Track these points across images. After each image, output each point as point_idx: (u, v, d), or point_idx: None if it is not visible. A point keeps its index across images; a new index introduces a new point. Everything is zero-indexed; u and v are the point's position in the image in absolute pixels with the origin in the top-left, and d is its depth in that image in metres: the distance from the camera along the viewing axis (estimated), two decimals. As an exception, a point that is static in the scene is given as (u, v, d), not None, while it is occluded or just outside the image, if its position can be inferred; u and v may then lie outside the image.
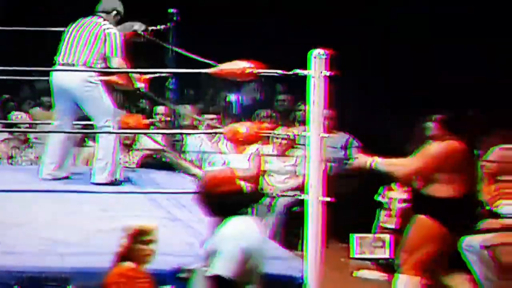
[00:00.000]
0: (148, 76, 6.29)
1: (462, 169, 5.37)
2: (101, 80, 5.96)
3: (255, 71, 4.79)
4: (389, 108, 8.41)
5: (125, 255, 3.99)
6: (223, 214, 3.87)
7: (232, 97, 9.00)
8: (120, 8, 6.15)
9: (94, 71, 5.94)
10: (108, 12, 6.08)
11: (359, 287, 6.48)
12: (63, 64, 5.97)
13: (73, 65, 5.93)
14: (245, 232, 3.83)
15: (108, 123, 5.94)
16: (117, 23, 6.17)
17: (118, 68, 5.98)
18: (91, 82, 5.91)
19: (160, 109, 7.49)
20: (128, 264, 3.98)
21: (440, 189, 5.26)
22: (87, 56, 5.92)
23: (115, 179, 6.02)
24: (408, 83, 8.61)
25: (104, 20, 6.03)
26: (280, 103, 8.67)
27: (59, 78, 5.94)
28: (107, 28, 5.95)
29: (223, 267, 3.75)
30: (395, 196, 7.32)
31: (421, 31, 8.90)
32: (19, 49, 8.10)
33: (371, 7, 8.99)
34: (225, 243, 3.78)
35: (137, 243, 4.02)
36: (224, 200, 3.87)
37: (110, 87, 6.15)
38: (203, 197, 3.91)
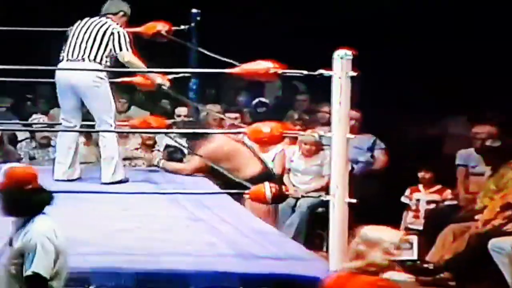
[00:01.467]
0: (170, 76, 6.28)
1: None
2: (108, 77, 5.96)
3: (279, 71, 4.74)
4: (414, 109, 8.38)
5: (370, 263, 3.91)
6: (26, 212, 3.80)
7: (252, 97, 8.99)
8: (126, 9, 6.17)
9: (119, 71, 5.98)
10: (114, 14, 6.09)
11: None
12: (70, 60, 5.96)
13: (83, 60, 5.93)
14: (54, 230, 3.80)
15: (110, 121, 5.95)
16: (125, 24, 6.18)
17: (141, 68, 6.00)
18: (100, 77, 5.92)
19: (182, 110, 7.49)
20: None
21: (246, 171, 5.90)
22: (95, 52, 5.93)
23: (126, 178, 6.03)
24: (432, 84, 8.57)
25: (112, 20, 6.05)
26: (298, 103, 8.67)
27: (66, 74, 5.94)
28: (114, 28, 5.97)
29: (41, 266, 3.70)
30: (421, 197, 7.29)
31: (447, 30, 8.85)
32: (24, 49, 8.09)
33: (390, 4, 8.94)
34: (38, 241, 3.73)
35: (382, 251, 3.92)
36: (27, 198, 3.79)
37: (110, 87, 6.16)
38: (5, 194, 3.80)
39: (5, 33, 6.58)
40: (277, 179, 6.49)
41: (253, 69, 4.84)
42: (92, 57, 5.94)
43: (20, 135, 7.92)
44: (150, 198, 5.57)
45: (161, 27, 6.43)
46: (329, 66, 4.47)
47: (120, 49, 5.93)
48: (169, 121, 7.05)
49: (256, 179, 5.60)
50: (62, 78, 5.96)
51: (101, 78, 5.91)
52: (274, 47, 8.01)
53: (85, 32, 6.00)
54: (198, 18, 6.62)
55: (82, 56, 5.95)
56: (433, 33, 8.87)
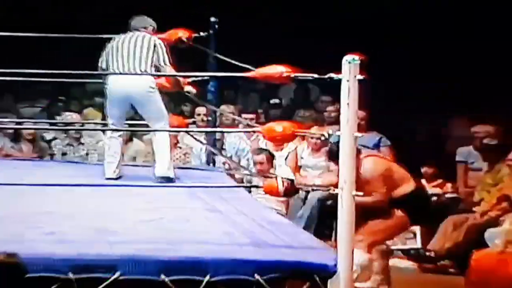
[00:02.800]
0: (190, 80, 6.33)
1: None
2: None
3: (292, 75, 4.76)
4: (418, 110, 8.35)
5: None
6: None
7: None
8: (154, 24, 6.25)
9: (153, 75, 6.04)
10: (147, 28, 6.13)
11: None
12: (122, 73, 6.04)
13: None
14: None
15: (164, 126, 6.05)
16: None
17: (169, 73, 6.07)
18: (152, 87, 6.00)
19: (201, 109, 7.52)
20: None
21: (401, 189, 5.64)
22: (144, 64, 5.99)
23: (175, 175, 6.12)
24: (435, 86, 8.51)
25: (147, 33, 6.12)
26: (322, 104, 8.67)
27: (123, 85, 5.99)
28: (156, 40, 6.04)
29: None
30: None
31: (447, 31, 8.66)
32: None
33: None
34: None
35: None
36: None
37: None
38: None
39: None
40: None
41: (267, 73, 4.84)
42: (143, 68, 5.99)
43: (51, 134, 7.98)
44: (171, 191, 5.60)
45: (182, 34, 6.48)
46: (330, 66, 4.49)
47: (165, 63, 5.98)
48: (189, 120, 7.10)
49: (410, 197, 5.62)
50: (119, 89, 6.00)
51: (153, 88, 5.98)
52: (275, 47, 7.85)
53: (129, 46, 6.02)
54: (216, 26, 6.66)
55: (134, 68, 5.99)
56: (433, 34, 8.70)
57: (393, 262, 6.67)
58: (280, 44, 8.13)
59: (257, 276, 4.26)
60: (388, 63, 8.14)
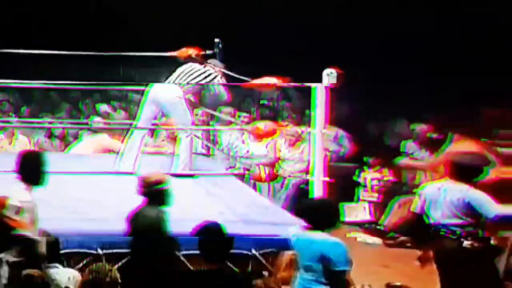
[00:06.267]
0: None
1: None
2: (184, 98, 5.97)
3: (278, 84, 4.84)
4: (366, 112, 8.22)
5: None
6: None
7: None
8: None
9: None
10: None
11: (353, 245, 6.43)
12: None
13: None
14: None
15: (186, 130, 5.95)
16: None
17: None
18: (178, 97, 5.91)
19: (199, 111, 7.46)
20: None
21: None
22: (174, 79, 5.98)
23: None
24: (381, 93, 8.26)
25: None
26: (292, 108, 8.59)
27: (156, 93, 5.92)
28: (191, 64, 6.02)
29: None
30: (368, 176, 7.39)
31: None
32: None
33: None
34: None
35: None
36: None
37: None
38: None
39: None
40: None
41: (259, 83, 4.91)
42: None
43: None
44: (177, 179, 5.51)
45: (191, 51, 6.40)
46: (329, 65, 4.44)
47: None
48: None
49: None
50: (152, 95, 5.93)
51: (179, 97, 5.89)
52: (275, 47, 7.45)
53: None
54: (220, 45, 6.58)
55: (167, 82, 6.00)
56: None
57: (362, 237, 6.66)
58: (280, 45, 7.71)
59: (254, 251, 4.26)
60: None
